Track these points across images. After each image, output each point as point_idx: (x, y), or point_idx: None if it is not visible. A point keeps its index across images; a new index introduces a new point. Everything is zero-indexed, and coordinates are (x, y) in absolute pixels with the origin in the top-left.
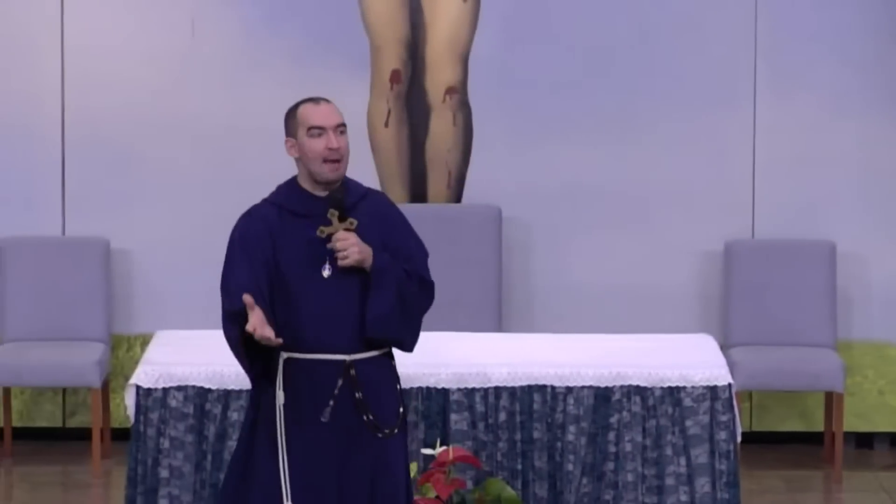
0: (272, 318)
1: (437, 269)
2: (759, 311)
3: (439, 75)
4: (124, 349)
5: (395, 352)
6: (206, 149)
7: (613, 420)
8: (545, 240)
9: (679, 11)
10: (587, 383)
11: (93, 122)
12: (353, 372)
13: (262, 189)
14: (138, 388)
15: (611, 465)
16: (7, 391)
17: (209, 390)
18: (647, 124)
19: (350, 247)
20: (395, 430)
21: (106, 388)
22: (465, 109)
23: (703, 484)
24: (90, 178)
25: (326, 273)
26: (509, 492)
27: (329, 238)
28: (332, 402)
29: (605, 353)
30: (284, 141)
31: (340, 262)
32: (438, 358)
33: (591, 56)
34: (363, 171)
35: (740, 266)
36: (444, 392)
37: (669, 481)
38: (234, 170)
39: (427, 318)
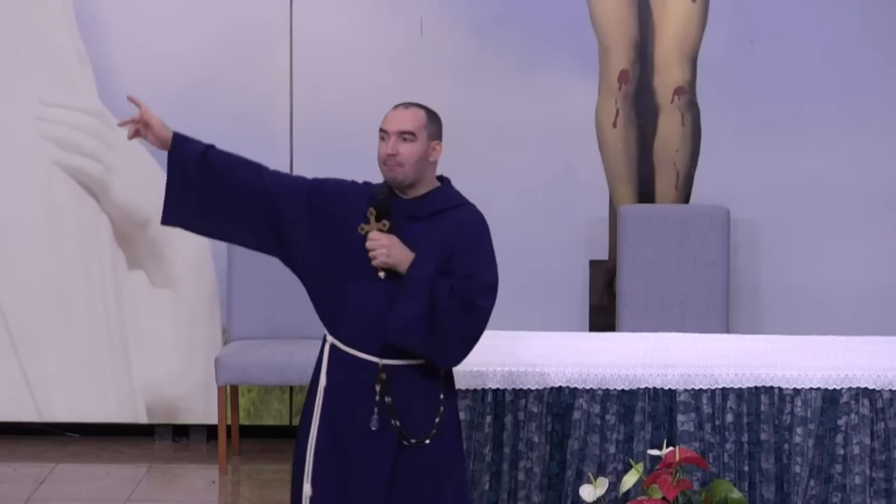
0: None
1: (664, 270)
2: None
3: (668, 75)
4: None
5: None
6: None
7: (842, 422)
8: (774, 241)
9: None
10: (815, 385)
11: (321, 122)
12: (384, 376)
13: (490, 187)
14: None
15: (839, 468)
16: (234, 389)
17: None
18: (877, 126)
19: (379, 248)
20: (426, 442)
21: None
22: (693, 110)
23: None
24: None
25: (383, 275)
26: (736, 493)
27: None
28: (376, 409)
29: (833, 355)
30: None
31: (373, 262)
32: (666, 359)
33: (822, 55)
34: (592, 171)
35: None
36: (671, 393)
37: None
38: (462, 169)
39: (654, 317)
